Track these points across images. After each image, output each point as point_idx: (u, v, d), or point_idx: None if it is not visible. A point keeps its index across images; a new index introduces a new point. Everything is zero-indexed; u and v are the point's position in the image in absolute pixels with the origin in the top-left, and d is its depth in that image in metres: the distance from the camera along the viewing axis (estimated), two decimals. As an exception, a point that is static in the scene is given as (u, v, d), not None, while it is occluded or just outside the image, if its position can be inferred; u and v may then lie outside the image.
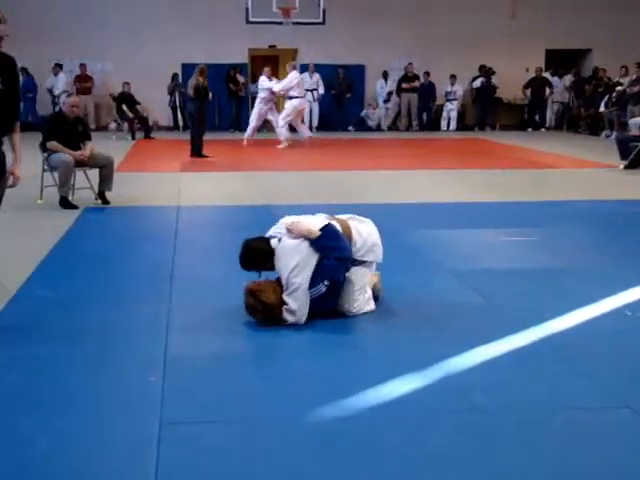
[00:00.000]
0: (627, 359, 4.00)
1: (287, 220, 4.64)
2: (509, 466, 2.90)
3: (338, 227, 4.55)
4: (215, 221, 8.15)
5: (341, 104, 20.06)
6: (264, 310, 4.39)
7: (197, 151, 13.59)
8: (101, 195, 8.61)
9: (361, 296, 4.59)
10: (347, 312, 4.55)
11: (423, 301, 4.94)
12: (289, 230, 4.51)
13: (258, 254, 4.54)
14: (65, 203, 8.28)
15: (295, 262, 4.37)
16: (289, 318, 4.40)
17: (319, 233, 4.44)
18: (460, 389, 3.60)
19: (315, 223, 4.53)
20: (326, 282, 4.38)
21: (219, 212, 8.63)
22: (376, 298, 4.77)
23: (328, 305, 4.50)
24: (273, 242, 4.53)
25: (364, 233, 4.64)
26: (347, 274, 4.53)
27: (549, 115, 21.20)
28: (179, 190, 9.78)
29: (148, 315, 4.68)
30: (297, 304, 4.37)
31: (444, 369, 3.83)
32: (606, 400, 3.51)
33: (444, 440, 3.10)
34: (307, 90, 19.76)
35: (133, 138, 17.38)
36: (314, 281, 4.39)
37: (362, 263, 4.62)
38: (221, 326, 4.49)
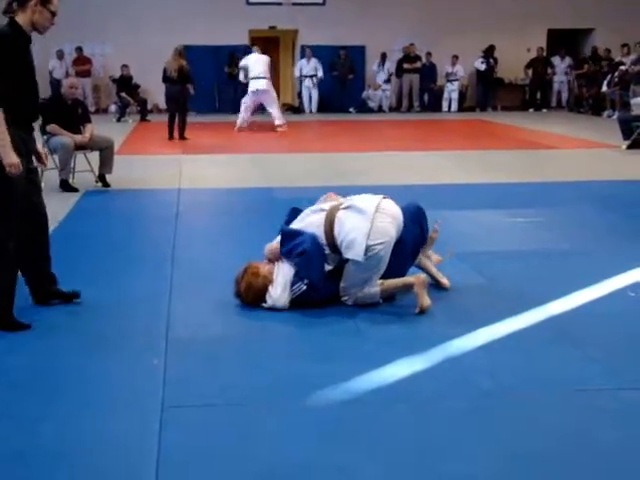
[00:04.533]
0: (631, 340, 3.97)
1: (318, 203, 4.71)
2: (517, 450, 2.87)
3: (299, 225, 4.57)
4: (216, 204, 8.12)
5: (343, 86, 19.93)
6: (245, 287, 4.47)
7: (182, 134, 13.56)
8: (101, 178, 8.58)
9: (352, 291, 4.47)
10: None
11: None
12: (271, 260, 4.60)
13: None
14: (65, 186, 8.26)
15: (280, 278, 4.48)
16: (268, 300, 4.44)
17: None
18: (464, 372, 3.58)
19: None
20: (306, 281, 4.40)
21: (220, 195, 8.60)
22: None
23: (316, 299, 4.45)
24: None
25: (347, 226, 4.39)
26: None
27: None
28: (180, 173, 9.74)
29: (149, 298, 4.66)
30: (277, 294, 4.43)
31: (448, 351, 3.81)
32: (612, 381, 3.48)
33: (448, 424, 3.08)
34: (305, 76, 19.66)
35: (118, 120, 17.37)
36: (294, 280, 4.43)
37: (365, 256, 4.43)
38: (223, 308, 4.48)
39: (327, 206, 4.62)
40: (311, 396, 3.31)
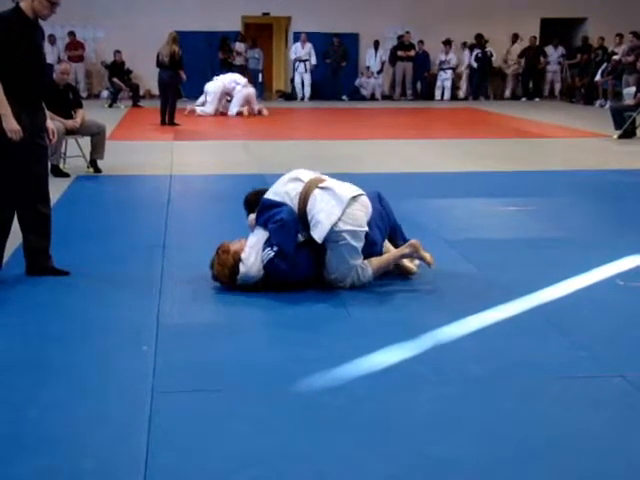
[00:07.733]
0: (619, 328, 4.00)
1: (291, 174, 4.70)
2: (503, 435, 2.90)
3: (278, 196, 4.57)
4: (208, 190, 8.10)
5: (336, 73, 19.86)
6: (218, 268, 4.52)
7: (171, 119, 13.60)
8: (93, 163, 8.56)
9: (347, 279, 4.49)
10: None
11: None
12: (251, 227, 4.71)
13: (253, 203, 4.75)
14: (56, 171, 8.22)
15: (252, 243, 4.54)
16: (241, 268, 4.45)
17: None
18: (453, 358, 3.60)
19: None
20: (275, 248, 4.41)
21: (212, 181, 8.58)
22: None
23: (284, 269, 4.43)
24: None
25: (319, 206, 4.43)
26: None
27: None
28: (172, 159, 9.72)
29: (140, 284, 4.66)
30: (250, 260, 4.46)
31: (436, 338, 3.83)
32: (599, 369, 3.51)
33: (436, 410, 3.10)
34: (300, 61, 19.59)
35: (110, 106, 17.30)
36: (264, 246, 4.47)
37: (336, 242, 4.42)
38: (213, 295, 4.49)
39: (306, 178, 4.63)
40: (300, 382, 3.32)
